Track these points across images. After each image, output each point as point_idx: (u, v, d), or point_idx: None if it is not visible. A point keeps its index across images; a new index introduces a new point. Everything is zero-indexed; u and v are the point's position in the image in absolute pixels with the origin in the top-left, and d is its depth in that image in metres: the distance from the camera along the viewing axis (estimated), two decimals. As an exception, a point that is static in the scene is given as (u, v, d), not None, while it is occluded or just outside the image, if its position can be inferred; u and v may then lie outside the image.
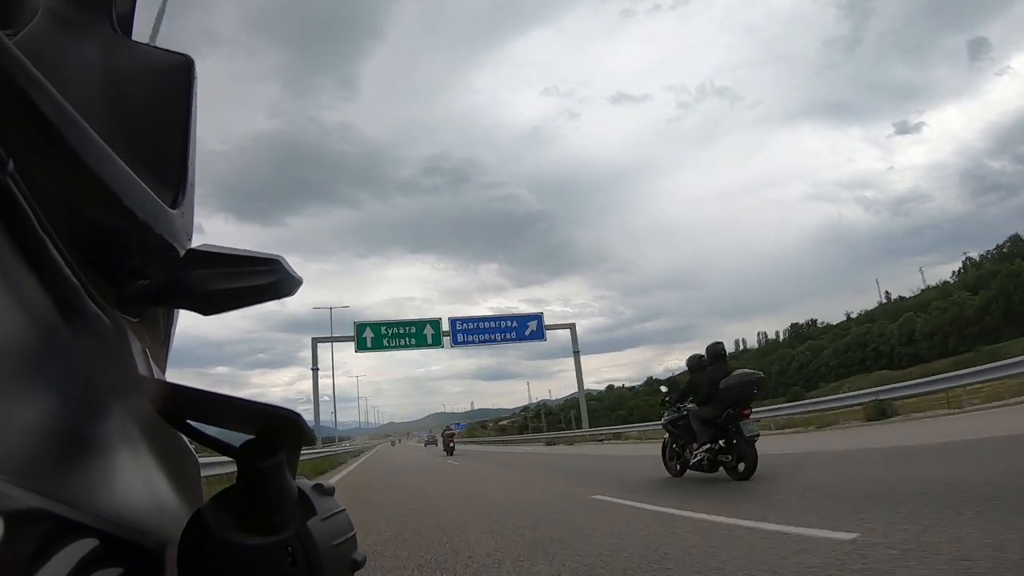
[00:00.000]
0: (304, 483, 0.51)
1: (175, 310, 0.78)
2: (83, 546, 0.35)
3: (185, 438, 0.68)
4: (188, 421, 0.52)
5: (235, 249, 0.51)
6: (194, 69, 0.68)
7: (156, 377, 0.64)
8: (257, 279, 0.50)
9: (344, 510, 0.53)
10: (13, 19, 0.43)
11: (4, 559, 0.28)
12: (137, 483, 0.50)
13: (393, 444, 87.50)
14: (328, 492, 0.53)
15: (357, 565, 0.52)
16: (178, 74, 0.67)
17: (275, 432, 0.49)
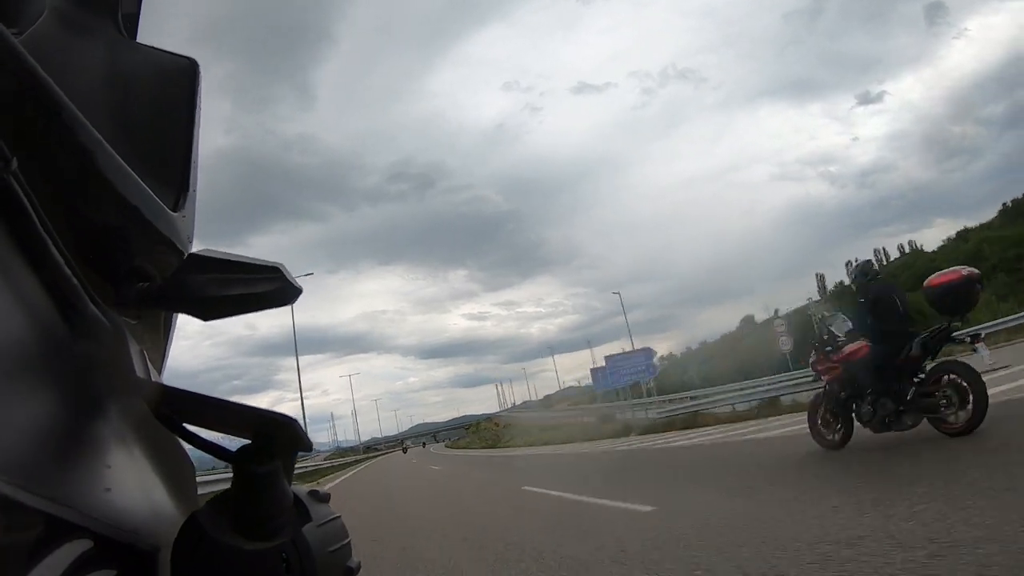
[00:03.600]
0: (300, 489, 0.51)
1: (174, 313, 0.78)
2: (77, 547, 0.35)
3: (181, 441, 0.67)
4: (184, 425, 0.52)
5: (236, 255, 0.51)
6: (199, 72, 0.68)
7: (153, 380, 0.63)
8: (257, 286, 0.50)
9: (339, 517, 0.53)
10: (19, 18, 0.43)
11: None
12: (132, 485, 0.50)
13: (405, 451, 66.41)
14: (323, 499, 0.52)
15: (351, 572, 0.52)
16: (182, 77, 0.67)
17: (271, 437, 0.48)
